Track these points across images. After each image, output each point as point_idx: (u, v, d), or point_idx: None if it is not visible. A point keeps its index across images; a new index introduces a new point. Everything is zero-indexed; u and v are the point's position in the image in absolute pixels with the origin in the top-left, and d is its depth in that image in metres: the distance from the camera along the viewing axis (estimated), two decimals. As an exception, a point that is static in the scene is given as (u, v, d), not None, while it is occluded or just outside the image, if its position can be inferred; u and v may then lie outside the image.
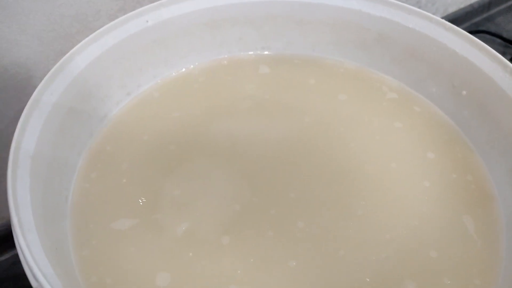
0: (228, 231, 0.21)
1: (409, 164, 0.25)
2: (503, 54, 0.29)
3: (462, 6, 0.56)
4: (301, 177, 0.24)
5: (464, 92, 0.26)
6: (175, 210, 0.22)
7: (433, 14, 0.30)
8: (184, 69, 0.29)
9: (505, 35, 0.55)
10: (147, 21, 0.26)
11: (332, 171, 0.24)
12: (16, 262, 0.32)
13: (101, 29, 0.24)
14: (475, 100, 0.25)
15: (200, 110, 0.27)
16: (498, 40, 0.54)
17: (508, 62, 0.23)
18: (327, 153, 0.25)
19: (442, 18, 0.29)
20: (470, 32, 0.25)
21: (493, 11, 0.60)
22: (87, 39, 0.24)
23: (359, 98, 0.29)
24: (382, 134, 0.27)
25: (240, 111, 0.28)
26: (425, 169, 0.25)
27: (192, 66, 0.30)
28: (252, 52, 0.31)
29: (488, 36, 0.54)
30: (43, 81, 0.21)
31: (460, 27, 0.26)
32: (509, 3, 0.61)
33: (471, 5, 0.57)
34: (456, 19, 0.55)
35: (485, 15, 0.59)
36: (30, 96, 0.21)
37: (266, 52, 0.31)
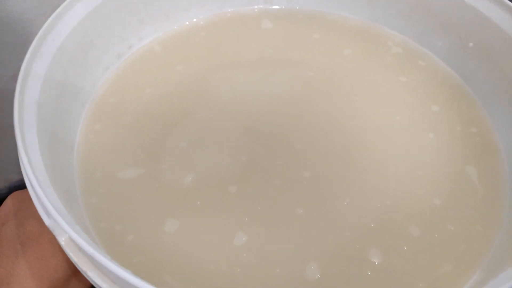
0: (235, 181, 0.21)
1: (413, 116, 0.25)
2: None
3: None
4: (307, 129, 0.24)
5: (471, 44, 0.25)
6: (181, 161, 0.22)
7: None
8: (187, 23, 0.28)
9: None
10: None
11: (337, 124, 0.24)
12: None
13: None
14: (481, 51, 0.25)
15: (202, 64, 0.27)
16: None
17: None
18: (332, 106, 0.25)
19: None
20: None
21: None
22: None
23: (363, 52, 0.28)
24: (387, 88, 0.26)
25: (243, 65, 0.27)
26: (430, 121, 0.25)
27: (194, 19, 0.28)
28: (255, 7, 0.30)
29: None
30: (43, 27, 0.20)
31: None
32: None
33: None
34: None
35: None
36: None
37: (269, 7, 0.30)
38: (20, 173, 0.16)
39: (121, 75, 0.26)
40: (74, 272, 0.20)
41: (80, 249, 0.14)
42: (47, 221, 0.14)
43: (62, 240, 0.14)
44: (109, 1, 0.24)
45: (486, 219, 0.21)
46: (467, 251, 0.20)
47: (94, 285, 0.15)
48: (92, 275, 0.15)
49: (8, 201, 0.22)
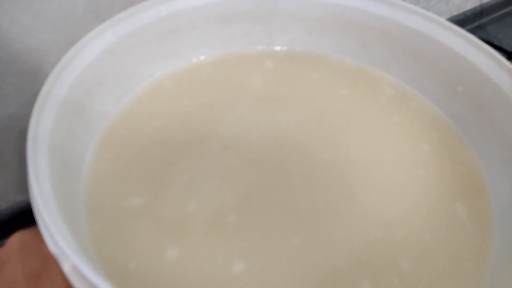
0: (235, 211, 0.22)
1: (405, 154, 0.26)
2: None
3: (455, 13, 0.56)
4: (304, 163, 0.24)
5: (460, 89, 0.26)
6: (184, 191, 0.23)
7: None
8: (194, 60, 0.30)
9: (496, 42, 0.55)
10: (160, 12, 0.26)
11: (333, 159, 0.25)
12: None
13: (114, 18, 0.25)
14: (470, 97, 0.26)
15: (208, 98, 0.28)
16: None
17: (503, 60, 0.23)
18: (328, 142, 0.26)
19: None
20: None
21: (485, 19, 0.61)
22: (101, 26, 0.24)
23: (359, 93, 0.29)
24: (380, 127, 0.27)
25: (246, 101, 0.28)
26: (420, 159, 0.25)
27: (202, 57, 0.30)
28: (259, 47, 0.32)
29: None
30: (59, 64, 0.21)
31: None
32: (499, 13, 0.62)
33: (463, 13, 0.57)
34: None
35: (476, 23, 0.60)
36: (42, 82, 0.21)
37: (271, 48, 0.32)
38: (23, 193, 0.17)
39: (131, 108, 0.27)
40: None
41: (84, 277, 0.14)
42: (52, 248, 0.15)
43: (66, 268, 0.14)
44: (124, 39, 0.26)
45: (475, 256, 0.21)
46: (457, 287, 0.20)
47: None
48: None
49: (13, 239, 0.22)
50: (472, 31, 0.59)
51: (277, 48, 0.32)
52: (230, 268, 0.20)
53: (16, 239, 0.21)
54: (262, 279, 0.19)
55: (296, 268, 0.20)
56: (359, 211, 0.22)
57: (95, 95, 0.24)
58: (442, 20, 0.26)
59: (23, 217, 0.35)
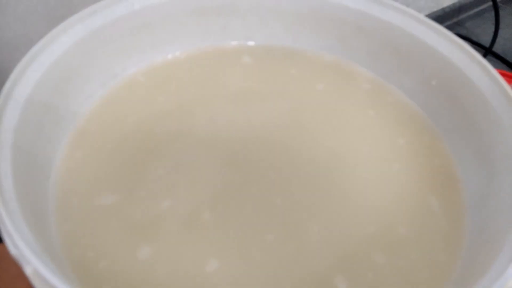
0: (210, 208, 0.21)
1: (380, 148, 0.25)
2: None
3: (434, 9, 0.57)
4: (281, 159, 0.24)
5: (433, 83, 0.26)
6: (158, 188, 0.22)
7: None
8: (170, 55, 0.29)
9: (474, 38, 0.56)
10: (133, 4, 0.25)
11: (308, 154, 0.24)
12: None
13: (85, 10, 0.24)
14: (443, 90, 0.26)
15: (184, 95, 0.27)
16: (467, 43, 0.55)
17: (475, 53, 0.23)
18: (305, 137, 0.25)
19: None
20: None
21: (463, 16, 0.61)
22: (71, 19, 0.23)
23: (335, 87, 0.29)
24: (356, 121, 0.27)
25: (222, 98, 0.28)
26: (395, 153, 0.25)
27: (178, 52, 0.29)
28: (236, 42, 0.31)
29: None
30: (28, 54, 0.20)
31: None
32: (477, 9, 0.62)
33: (442, 9, 0.58)
34: (428, 21, 0.55)
35: (455, 19, 0.61)
36: None
37: (249, 43, 0.31)
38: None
39: (104, 104, 0.26)
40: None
41: (45, 281, 0.13)
42: (13, 250, 0.14)
43: (28, 271, 0.14)
44: (95, 33, 0.25)
45: (448, 248, 0.21)
46: (430, 277, 0.20)
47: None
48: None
49: None
50: (451, 27, 0.59)
51: (254, 43, 0.31)
52: (204, 267, 0.19)
53: None
54: (236, 276, 0.19)
55: (271, 264, 0.19)
56: (335, 205, 0.22)
57: (65, 92, 0.23)
58: (418, 14, 0.26)
59: None
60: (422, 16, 0.26)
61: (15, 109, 0.19)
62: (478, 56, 0.23)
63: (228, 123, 0.26)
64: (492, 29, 0.52)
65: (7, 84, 0.19)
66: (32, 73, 0.20)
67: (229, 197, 0.22)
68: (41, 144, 0.21)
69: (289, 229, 0.21)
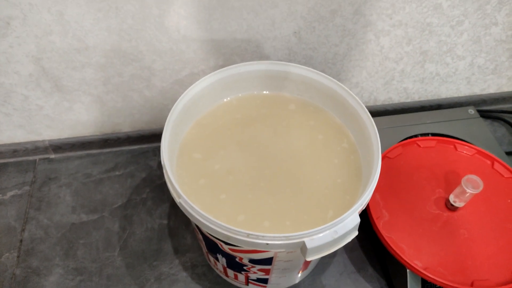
0: (251, 178, 0.44)
1: (325, 151, 0.47)
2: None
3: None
4: (281, 166, 0.45)
5: (332, 99, 0.49)
6: (221, 157, 0.45)
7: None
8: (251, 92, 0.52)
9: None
10: (239, 68, 0.48)
11: (281, 154, 0.46)
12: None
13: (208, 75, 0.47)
14: (336, 102, 0.48)
15: (234, 121, 0.49)
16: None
17: (345, 87, 0.46)
18: (279, 144, 0.47)
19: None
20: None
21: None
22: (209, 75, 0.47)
23: (298, 109, 0.51)
24: (301, 129, 0.49)
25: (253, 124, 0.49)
26: (335, 154, 0.47)
27: (255, 92, 0.52)
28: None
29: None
30: (182, 95, 0.45)
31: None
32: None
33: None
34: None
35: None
36: (165, 117, 0.44)
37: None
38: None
39: (211, 113, 0.50)
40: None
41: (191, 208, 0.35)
42: (177, 200, 0.36)
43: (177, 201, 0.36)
44: (218, 81, 0.48)
45: (352, 192, 0.44)
46: (348, 201, 0.42)
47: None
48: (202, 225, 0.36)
49: None
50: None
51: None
52: (246, 196, 0.42)
53: None
54: (265, 207, 0.42)
55: (277, 203, 0.42)
56: (299, 180, 0.44)
57: (198, 105, 0.47)
58: (322, 73, 0.49)
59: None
60: (323, 74, 0.49)
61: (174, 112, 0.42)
62: (347, 88, 0.46)
63: (260, 143, 0.47)
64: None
65: (176, 102, 0.43)
66: (183, 97, 0.44)
67: (263, 178, 0.44)
68: (180, 128, 0.44)
69: (282, 191, 0.43)
